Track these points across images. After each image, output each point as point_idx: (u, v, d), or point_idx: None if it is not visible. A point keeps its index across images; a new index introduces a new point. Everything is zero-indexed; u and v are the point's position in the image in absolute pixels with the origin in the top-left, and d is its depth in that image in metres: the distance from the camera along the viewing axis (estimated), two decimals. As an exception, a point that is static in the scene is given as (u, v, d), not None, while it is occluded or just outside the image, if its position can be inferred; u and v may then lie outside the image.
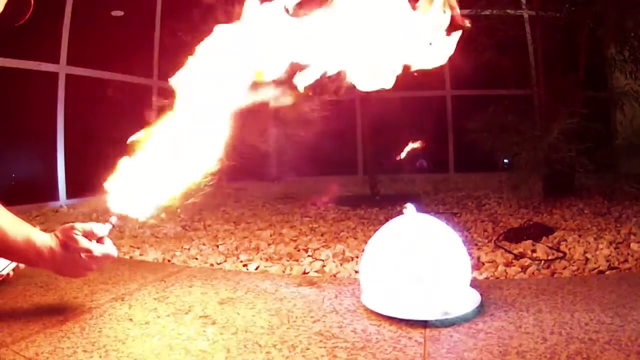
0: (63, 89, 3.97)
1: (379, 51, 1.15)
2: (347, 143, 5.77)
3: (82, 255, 1.07)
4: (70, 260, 1.07)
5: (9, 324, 1.13)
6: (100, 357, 0.96)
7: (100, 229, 1.12)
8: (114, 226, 1.16)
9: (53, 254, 1.06)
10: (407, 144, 5.89)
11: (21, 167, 3.90)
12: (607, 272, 1.54)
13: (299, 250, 1.99)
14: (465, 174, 5.36)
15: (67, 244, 1.06)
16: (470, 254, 1.67)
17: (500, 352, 0.93)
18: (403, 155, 5.85)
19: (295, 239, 2.24)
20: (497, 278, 1.55)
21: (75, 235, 1.07)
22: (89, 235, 1.09)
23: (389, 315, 1.12)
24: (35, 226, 1.21)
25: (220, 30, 1.13)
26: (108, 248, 1.12)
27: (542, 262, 1.66)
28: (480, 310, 1.15)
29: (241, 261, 1.85)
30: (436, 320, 1.08)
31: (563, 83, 3.38)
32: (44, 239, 1.06)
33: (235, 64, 1.14)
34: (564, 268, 1.59)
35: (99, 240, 1.12)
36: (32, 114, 3.83)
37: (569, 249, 1.82)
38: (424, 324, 1.08)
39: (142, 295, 1.37)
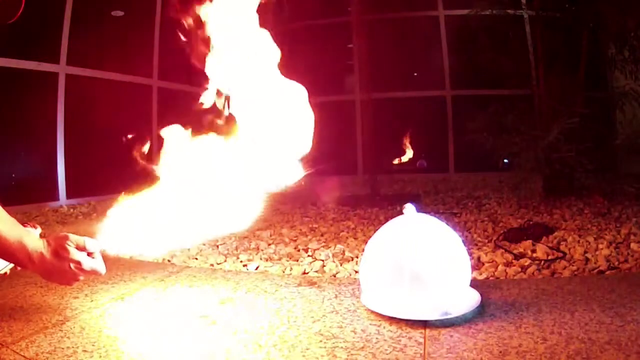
0: (63, 89, 3.97)
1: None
2: (347, 143, 5.76)
3: (71, 265, 1.08)
4: (58, 268, 1.08)
5: (9, 324, 1.13)
6: (100, 357, 0.96)
7: (93, 244, 1.13)
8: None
9: (42, 260, 1.07)
10: (407, 145, 5.90)
11: (21, 167, 3.90)
12: (607, 272, 1.54)
13: (299, 251, 1.99)
14: (465, 174, 5.36)
15: (59, 252, 1.08)
16: (470, 254, 1.67)
17: (500, 352, 0.93)
18: (405, 158, 5.85)
19: (295, 239, 2.24)
20: (497, 278, 1.55)
21: (67, 246, 1.08)
22: (80, 248, 1.10)
23: (389, 315, 1.12)
24: (35, 226, 1.22)
25: None
26: (97, 264, 1.14)
27: (542, 262, 1.66)
28: (480, 310, 1.15)
29: (241, 261, 1.84)
30: (436, 320, 1.08)
31: (563, 83, 3.38)
32: (36, 244, 1.08)
33: None
34: (564, 268, 1.59)
35: (90, 254, 1.13)
36: (32, 114, 3.83)
37: (569, 249, 1.82)
38: (424, 324, 1.08)
39: (142, 295, 1.37)
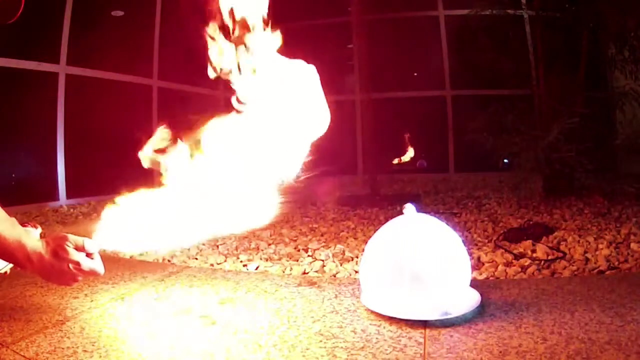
0: (63, 89, 3.97)
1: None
2: (347, 143, 5.76)
3: (70, 266, 1.08)
4: (57, 269, 1.08)
5: (9, 324, 1.13)
6: (100, 357, 0.96)
7: (92, 245, 1.13)
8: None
9: (41, 260, 1.07)
10: (407, 145, 5.90)
11: (21, 167, 3.90)
12: (607, 272, 1.54)
13: (299, 250, 1.99)
14: (465, 174, 5.36)
15: (57, 253, 1.08)
16: (470, 254, 1.67)
17: (500, 352, 0.93)
18: (405, 158, 5.85)
19: (295, 239, 2.24)
20: (497, 278, 1.55)
21: (66, 246, 1.08)
22: (79, 248, 1.10)
23: (389, 315, 1.12)
24: (36, 226, 1.22)
25: None
26: (96, 264, 1.14)
27: (542, 262, 1.66)
28: (480, 310, 1.15)
29: (241, 261, 1.85)
30: (436, 320, 1.08)
31: (563, 83, 3.38)
32: (35, 244, 1.08)
33: None
34: (564, 268, 1.59)
35: (89, 255, 1.13)
36: (32, 114, 3.83)
37: (569, 249, 1.82)
38: (424, 324, 1.08)
39: (142, 295, 1.37)
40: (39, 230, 1.27)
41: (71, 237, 1.10)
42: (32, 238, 1.09)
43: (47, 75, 3.89)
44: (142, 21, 4.82)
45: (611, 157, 4.26)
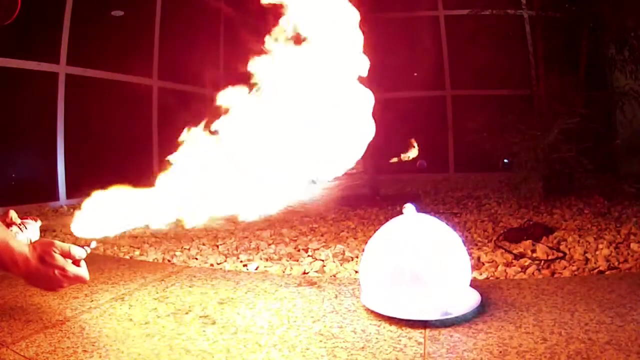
0: (63, 89, 3.97)
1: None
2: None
3: (56, 272, 1.08)
4: (43, 274, 1.08)
5: (9, 324, 1.13)
6: (100, 357, 0.96)
7: (78, 251, 1.13)
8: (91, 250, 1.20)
9: (27, 264, 1.07)
10: (407, 145, 5.89)
11: (21, 167, 3.90)
12: (607, 272, 1.54)
13: (299, 250, 1.99)
14: (465, 174, 5.35)
15: (44, 258, 1.08)
16: (470, 254, 1.67)
17: (500, 352, 0.93)
18: (404, 157, 5.85)
19: (295, 239, 2.24)
20: (497, 278, 1.55)
21: (53, 252, 1.08)
22: (65, 255, 1.10)
23: (389, 315, 1.12)
24: (36, 219, 1.23)
25: None
26: (81, 271, 1.14)
27: (542, 262, 1.66)
28: (480, 310, 1.15)
29: (241, 261, 1.85)
30: (436, 320, 1.08)
31: (563, 83, 3.38)
32: (22, 248, 1.08)
33: None
34: (564, 268, 1.59)
35: (75, 262, 1.13)
36: (32, 114, 3.83)
37: (569, 249, 1.82)
38: (424, 324, 1.08)
39: (142, 295, 1.37)
40: (39, 223, 1.28)
41: (57, 243, 1.10)
42: (19, 242, 1.09)
43: (47, 75, 3.88)
44: (142, 21, 4.82)
45: (611, 157, 4.26)
